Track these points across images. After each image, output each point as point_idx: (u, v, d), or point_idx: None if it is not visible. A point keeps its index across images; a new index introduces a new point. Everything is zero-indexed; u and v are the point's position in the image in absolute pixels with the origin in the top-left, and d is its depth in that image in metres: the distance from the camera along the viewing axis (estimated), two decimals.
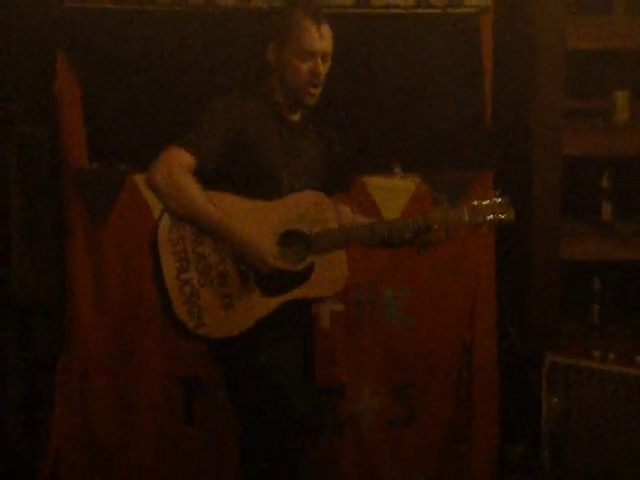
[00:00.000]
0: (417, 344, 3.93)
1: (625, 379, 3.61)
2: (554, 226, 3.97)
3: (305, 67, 2.92)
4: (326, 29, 2.95)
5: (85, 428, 3.85)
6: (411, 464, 3.96)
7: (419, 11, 3.79)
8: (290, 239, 2.91)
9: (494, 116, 3.88)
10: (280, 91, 2.98)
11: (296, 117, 3.04)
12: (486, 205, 3.01)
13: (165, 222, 2.81)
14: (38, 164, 3.89)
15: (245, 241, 2.82)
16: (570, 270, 4.02)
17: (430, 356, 3.94)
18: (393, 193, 3.84)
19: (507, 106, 3.95)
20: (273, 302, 2.89)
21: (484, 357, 3.94)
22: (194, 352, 3.67)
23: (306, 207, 2.94)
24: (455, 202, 3.08)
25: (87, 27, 3.71)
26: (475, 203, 3.01)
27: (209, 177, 2.86)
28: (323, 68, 2.95)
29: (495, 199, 3.02)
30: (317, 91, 2.97)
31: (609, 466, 3.64)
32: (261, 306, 2.87)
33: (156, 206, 3.69)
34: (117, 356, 3.86)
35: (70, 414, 3.84)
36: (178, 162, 2.79)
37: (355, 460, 3.93)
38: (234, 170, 2.88)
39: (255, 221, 2.85)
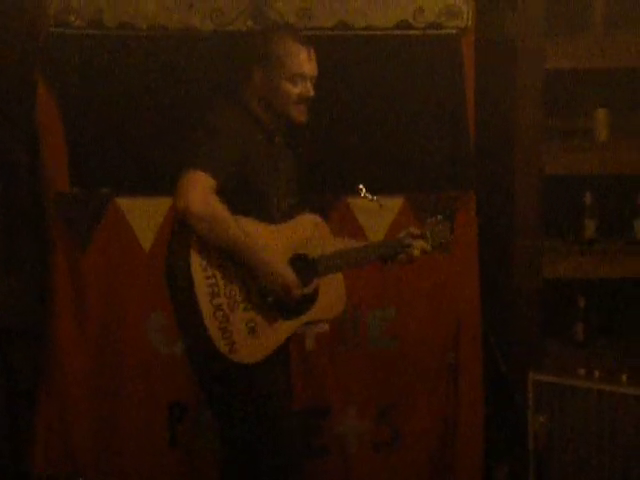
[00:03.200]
0: (401, 365, 3.92)
1: (611, 397, 3.61)
2: (536, 245, 3.98)
3: (296, 90, 2.94)
4: (312, 52, 2.99)
5: (67, 454, 3.81)
6: None
7: (399, 33, 3.79)
8: (297, 263, 2.93)
9: (476, 136, 3.89)
10: (264, 112, 2.98)
11: (277, 137, 3.05)
12: (440, 228, 3.22)
13: (196, 248, 2.77)
14: (19, 188, 3.88)
15: (272, 271, 2.83)
16: (553, 289, 4.03)
17: (414, 377, 3.93)
18: (377, 214, 3.84)
19: (488, 126, 3.96)
20: (292, 325, 2.92)
21: (469, 377, 3.92)
22: (176, 377, 3.68)
23: (309, 230, 2.99)
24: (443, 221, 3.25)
25: (67, 52, 3.71)
26: (435, 227, 3.22)
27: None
28: (311, 89, 2.98)
29: (443, 221, 3.23)
30: (304, 108, 2.99)
31: None
32: (282, 330, 2.90)
33: (141, 229, 3.75)
34: (99, 382, 3.82)
35: (51, 440, 3.80)
36: (207, 187, 2.75)
37: None
38: (232, 190, 2.85)
39: (268, 245, 2.86)
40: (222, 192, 2.81)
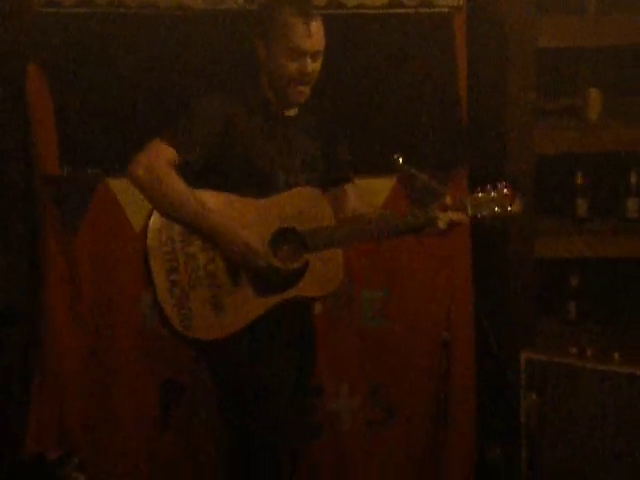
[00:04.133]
0: (394, 344, 3.93)
1: (603, 375, 3.62)
2: (528, 224, 3.98)
3: (293, 66, 2.85)
4: (316, 25, 2.87)
5: (61, 434, 3.81)
6: (389, 464, 3.95)
7: (392, 11, 3.78)
8: (285, 237, 2.85)
9: (468, 115, 3.88)
10: (270, 88, 2.93)
11: (292, 112, 2.98)
12: (492, 197, 2.93)
13: (155, 222, 2.75)
14: (9, 170, 3.85)
15: (231, 237, 2.75)
16: (546, 268, 4.04)
17: (407, 356, 3.94)
18: (370, 194, 3.82)
19: (480, 105, 3.96)
20: (267, 302, 2.81)
21: (461, 356, 3.93)
22: (172, 357, 3.68)
23: (301, 204, 2.87)
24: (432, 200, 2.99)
25: (57, 32, 3.68)
26: (479, 195, 2.93)
27: (202, 176, 2.81)
28: (313, 67, 2.88)
29: (500, 190, 2.94)
30: (306, 89, 2.90)
31: (587, 463, 3.64)
32: (254, 306, 2.80)
33: (132, 209, 3.74)
34: (93, 362, 3.82)
35: (45, 421, 3.79)
36: (161, 156, 2.73)
37: (333, 460, 3.93)
38: (225, 169, 2.83)
39: (248, 219, 2.79)
40: (209, 168, 2.79)
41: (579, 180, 4.05)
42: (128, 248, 3.72)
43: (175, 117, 2.87)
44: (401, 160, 3.05)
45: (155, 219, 2.76)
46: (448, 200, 2.90)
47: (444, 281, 3.93)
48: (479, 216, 2.93)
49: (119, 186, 3.75)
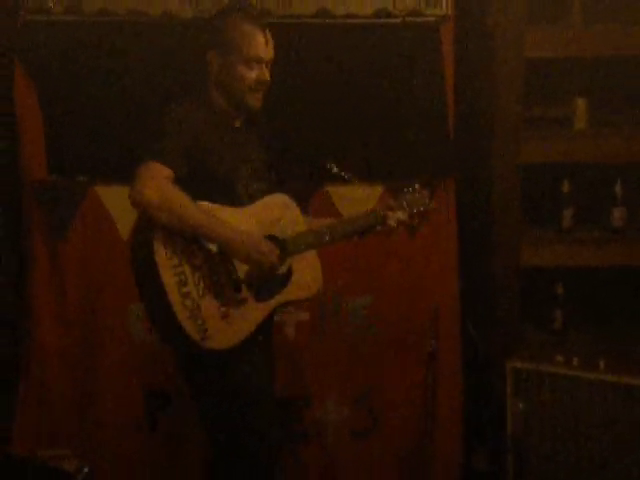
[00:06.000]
0: (381, 352, 3.93)
1: (589, 384, 3.63)
2: (514, 233, 4.00)
3: (252, 75, 2.92)
4: (269, 35, 2.96)
5: (47, 438, 3.79)
6: (376, 473, 3.96)
7: (379, 21, 3.80)
8: None
9: (455, 124, 3.90)
10: (222, 98, 2.97)
11: (238, 123, 3.04)
12: (417, 197, 3.19)
13: (159, 237, 2.76)
14: None
15: (243, 240, 2.81)
16: (532, 277, 4.05)
17: (394, 364, 3.95)
18: (356, 202, 3.84)
19: (467, 114, 3.97)
20: (266, 307, 2.91)
21: (448, 364, 3.94)
22: (157, 366, 3.68)
23: (277, 211, 2.97)
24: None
25: (45, 39, 3.69)
26: (409, 196, 3.18)
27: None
28: (267, 74, 2.96)
29: (420, 190, 3.20)
30: (260, 95, 2.97)
31: (574, 471, 3.65)
32: (256, 312, 2.88)
33: (119, 217, 3.74)
34: (79, 369, 3.82)
35: (31, 427, 3.78)
36: (161, 176, 2.75)
37: (320, 469, 3.93)
38: (191, 178, 2.84)
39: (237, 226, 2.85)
40: (181, 180, 2.81)
41: (565, 189, 4.06)
42: (115, 255, 3.72)
43: (150, 129, 2.88)
44: (335, 168, 3.26)
45: (159, 233, 2.76)
46: (391, 201, 3.18)
47: (430, 289, 3.94)
48: (412, 213, 3.17)
49: (107, 194, 3.76)
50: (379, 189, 3.89)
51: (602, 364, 3.67)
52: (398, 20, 3.81)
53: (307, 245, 2.99)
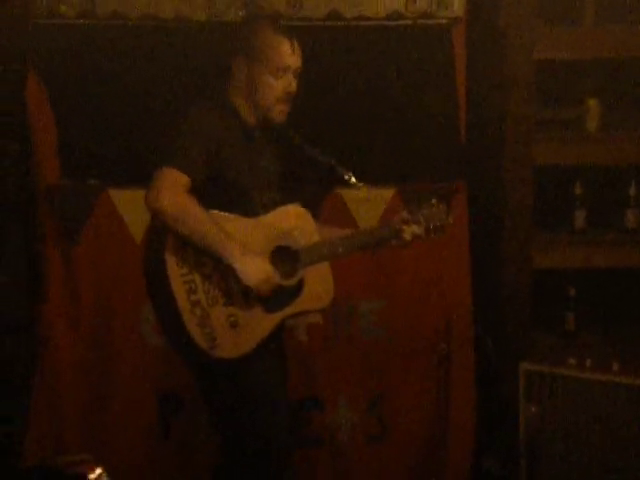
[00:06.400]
0: (393, 356, 3.92)
1: (602, 386, 3.62)
2: (526, 235, 3.98)
3: (279, 84, 2.90)
4: (297, 44, 2.93)
5: (60, 445, 3.79)
6: (387, 477, 3.95)
7: (391, 23, 3.79)
8: (279, 254, 2.90)
9: (466, 126, 3.89)
10: (247, 107, 2.95)
11: (257, 132, 3.02)
12: (434, 212, 3.12)
13: (170, 244, 2.76)
14: (9, 180, 3.85)
15: (246, 264, 2.78)
16: (544, 279, 4.04)
17: (406, 368, 3.94)
18: (368, 204, 3.84)
19: (479, 116, 3.96)
20: (275, 317, 2.89)
21: (460, 368, 3.93)
22: (170, 371, 3.67)
23: (291, 222, 2.95)
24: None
25: (56, 42, 3.69)
26: (426, 211, 3.12)
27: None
28: (295, 84, 2.93)
29: (437, 205, 3.14)
30: (288, 108, 2.95)
31: (587, 474, 3.64)
32: (265, 322, 2.87)
33: (132, 221, 3.73)
34: (92, 374, 3.82)
35: (43, 433, 3.78)
36: (178, 184, 2.74)
37: (332, 473, 3.92)
38: (208, 185, 2.84)
39: (247, 238, 2.83)
40: (198, 188, 2.80)
41: (577, 191, 4.06)
42: (128, 259, 3.71)
43: (168, 132, 2.87)
44: (353, 179, 3.18)
45: (171, 240, 2.76)
46: (405, 214, 3.10)
47: (442, 293, 3.93)
48: (429, 228, 3.11)
49: (120, 197, 3.75)
50: (391, 191, 3.88)
51: (615, 366, 3.66)
52: (409, 22, 3.79)
53: (320, 257, 2.97)
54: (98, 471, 2.24)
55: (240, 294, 2.83)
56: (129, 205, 3.72)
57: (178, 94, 3.65)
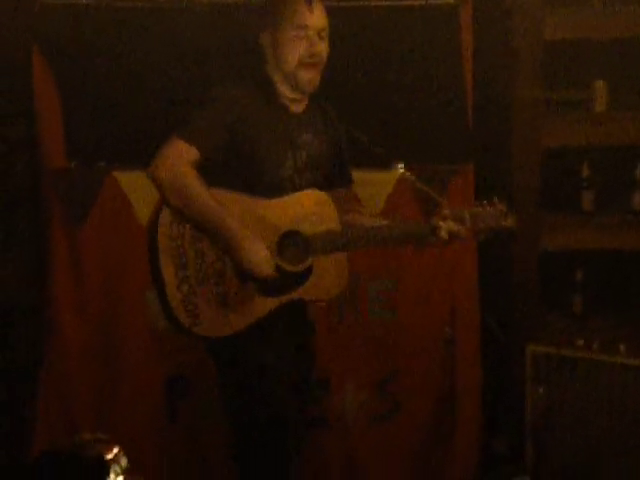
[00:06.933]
0: (400, 337, 3.92)
1: (610, 368, 3.61)
2: (534, 217, 3.98)
3: (299, 45, 2.84)
4: (318, 6, 2.88)
5: (68, 431, 3.78)
6: (395, 457, 3.95)
7: (398, 3, 3.77)
8: (290, 239, 2.85)
9: (474, 107, 3.87)
10: (278, 77, 2.90)
11: (299, 108, 2.96)
12: (488, 212, 2.98)
13: (165, 218, 2.74)
14: (15, 163, 3.84)
15: (243, 246, 2.75)
16: (551, 261, 4.03)
17: (413, 349, 3.93)
18: (374, 187, 3.82)
19: (486, 97, 3.95)
20: (271, 302, 2.84)
21: (467, 350, 3.93)
22: (177, 353, 3.68)
23: (309, 207, 2.87)
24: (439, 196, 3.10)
25: (62, 23, 3.66)
26: (476, 209, 2.98)
27: (210, 172, 2.79)
28: (321, 46, 2.88)
29: (496, 205, 2.99)
30: (314, 73, 2.89)
31: (594, 456, 3.65)
32: (259, 306, 2.82)
33: (139, 203, 3.72)
34: (99, 357, 3.82)
35: (52, 417, 3.79)
36: (183, 156, 2.72)
37: (340, 453, 3.92)
38: (234, 165, 2.82)
39: (256, 220, 2.80)
40: (219, 163, 2.78)
41: (585, 173, 4.04)
42: (135, 242, 3.69)
43: (185, 109, 2.86)
44: (402, 168, 3.13)
45: (166, 213, 2.75)
46: (446, 210, 2.93)
47: (450, 273, 3.92)
48: (477, 228, 2.97)
49: (126, 179, 3.74)
50: (396, 173, 3.87)
51: (623, 348, 3.66)
52: (417, 2, 3.76)
53: (334, 247, 2.87)
54: (115, 450, 2.22)
55: (235, 274, 2.79)
56: (136, 187, 3.69)
57: (184, 74, 3.64)
